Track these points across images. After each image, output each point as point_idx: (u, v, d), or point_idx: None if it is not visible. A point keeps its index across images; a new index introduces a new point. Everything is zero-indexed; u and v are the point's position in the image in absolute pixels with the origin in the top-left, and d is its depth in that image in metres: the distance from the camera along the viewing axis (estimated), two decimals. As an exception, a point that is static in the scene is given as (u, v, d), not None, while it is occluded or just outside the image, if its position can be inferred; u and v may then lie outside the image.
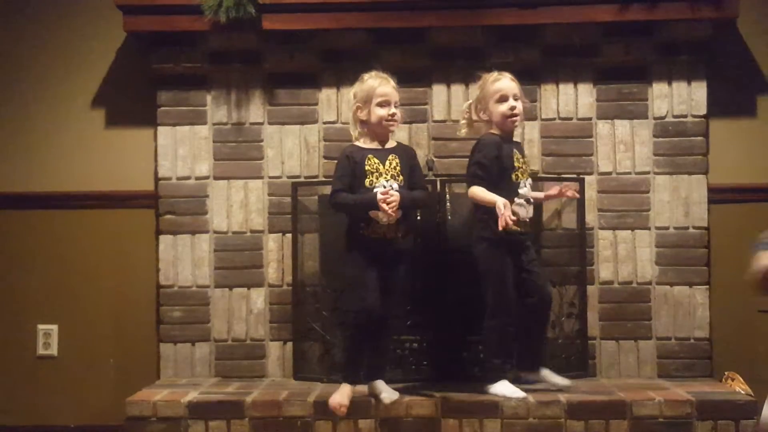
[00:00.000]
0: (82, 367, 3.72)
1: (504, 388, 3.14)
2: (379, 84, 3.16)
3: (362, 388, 3.20)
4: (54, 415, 3.70)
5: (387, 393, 3.15)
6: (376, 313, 3.08)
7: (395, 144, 3.24)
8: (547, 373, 3.21)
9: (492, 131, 3.21)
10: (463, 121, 3.30)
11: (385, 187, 3.10)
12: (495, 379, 3.17)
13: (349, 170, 3.14)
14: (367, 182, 3.13)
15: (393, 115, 3.15)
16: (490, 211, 3.08)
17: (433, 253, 3.45)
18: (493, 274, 3.17)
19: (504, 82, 3.19)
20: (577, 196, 3.36)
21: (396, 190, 3.09)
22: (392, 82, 3.20)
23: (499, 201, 3.05)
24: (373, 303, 3.09)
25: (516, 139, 3.31)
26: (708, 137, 3.60)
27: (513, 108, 3.16)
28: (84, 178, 3.76)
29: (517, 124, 3.21)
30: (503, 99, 3.17)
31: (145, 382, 3.49)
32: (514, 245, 3.16)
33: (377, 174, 3.14)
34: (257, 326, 3.63)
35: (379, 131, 3.18)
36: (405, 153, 3.23)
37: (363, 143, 3.20)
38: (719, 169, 3.61)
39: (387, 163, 3.16)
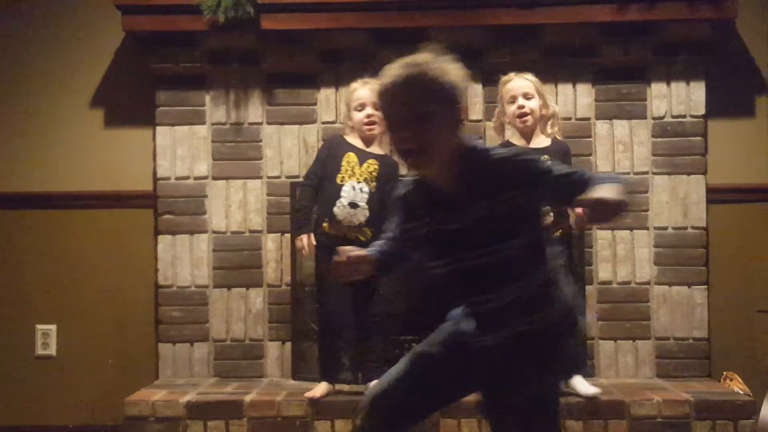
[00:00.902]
0: (80, 367, 3.72)
1: None
2: (355, 89, 3.24)
3: (359, 387, 3.21)
4: (52, 415, 3.69)
5: None
6: (336, 315, 3.18)
7: (383, 153, 3.28)
8: (576, 381, 3.17)
9: (511, 138, 3.25)
10: (492, 124, 3.37)
11: (354, 189, 3.15)
12: None
13: (320, 163, 3.25)
14: (338, 178, 3.20)
15: (369, 116, 3.18)
16: None
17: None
18: None
19: (513, 83, 3.21)
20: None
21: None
22: (373, 85, 3.21)
23: None
24: (334, 305, 3.18)
25: (539, 144, 3.21)
26: (706, 137, 3.60)
27: (521, 107, 3.16)
28: (83, 178, 3.75)
29: (527, 122, 3.18)
30: (513, 100, 3.19)
31: (144, 382, 3.49)
32: None
33: (350, 173, 3.19)
34: (256, 326, 3.63)
35: (361, 135, 3.24)
36: (387, 164, 3.26)
37: (350, 138, 3.26)
38: (718, 169, 3.61)
39: (365, 165, 3.19)
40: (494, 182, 1.80)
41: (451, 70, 1.83)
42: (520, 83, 3.20)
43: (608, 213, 1.66)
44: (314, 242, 3.20)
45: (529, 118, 3.17)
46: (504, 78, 3.25)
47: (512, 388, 1.83)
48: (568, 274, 1.91)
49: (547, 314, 1.85)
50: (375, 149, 3.26)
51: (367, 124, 3.20)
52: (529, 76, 3.22)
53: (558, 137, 3.27)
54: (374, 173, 3.20)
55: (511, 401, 1.83)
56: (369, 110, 3.19)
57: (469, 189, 1.81)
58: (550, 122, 3.26)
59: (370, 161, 3.21)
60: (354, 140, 3.26)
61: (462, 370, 1.91)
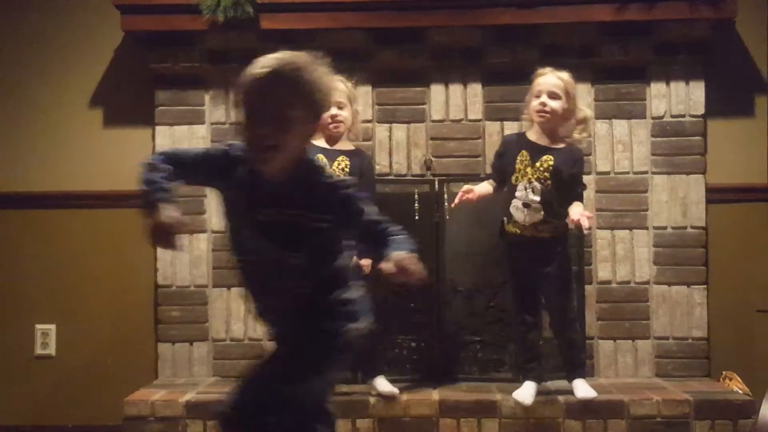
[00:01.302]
0: (80, 367, 3.71)
1: (519, 391, 3.14)
2: None
3: (358, 387, 3.21)
4: (52, 415, 3.69)
5: (386, 388, 3.15)
6: None
7: (352, 148, 3.28)
8: (575, 384, 3.16)
9: (528, 133, 3.22)
10: (525, 116, 3.29)
11: None
12: (520, 380, 3.19)
13: None
14: None
15: (334, 116, 3.17)
16: (503, 209, 3.16)
17: (432, 253, 3.46)
18: (508, 274, 3.25)
19: (542, 78, 3.15)
20: (587, 229, 3.11)
21: None
22: (340, 84, 3.19)
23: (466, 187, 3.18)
24: None
25: (556, 144, 3.16)
26: (706, 137, 3.60)
27: (543, 104, 3.11)
28: (82, 178, 3.75)
29: (544, 119, 3.12)
30: (538, 95, 3.14)
31: (143, 382, 3.49)
32: (522, 248, 3.15)
33: None
34: (255, 326, 3.62)
35: (326, 133, 3.22)
36: (359, 157, 3.26)
37: (316, 141, 3.25)
38: (717, 168, 3.61)
39: (335, 163, 3.19)
40: (313, 199, 1.89)
41: (326, 83, 1.88)
42: (550, 80, 3.13)
43: (405, 279, 1.81)
44: None
45: (547, 116, 3.12)
46: (539, 71, 3.18)
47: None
48: (351, 280, 2.01)
49: (312, 309, 1.94)
50: (343, 146, 3.25)
51: (331, 123, 3.19)
52: (564, 76, 3.14)
53: (579, 144, 3.21)
54: (346, 169, 3.19)
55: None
56: (333, 110, 3.17)
57: (289, 194, 1.89)
58: (580, 127, 3.18)
59: (339, 159, 3.21)
60: (320, 143, 3.25)
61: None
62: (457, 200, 3.16)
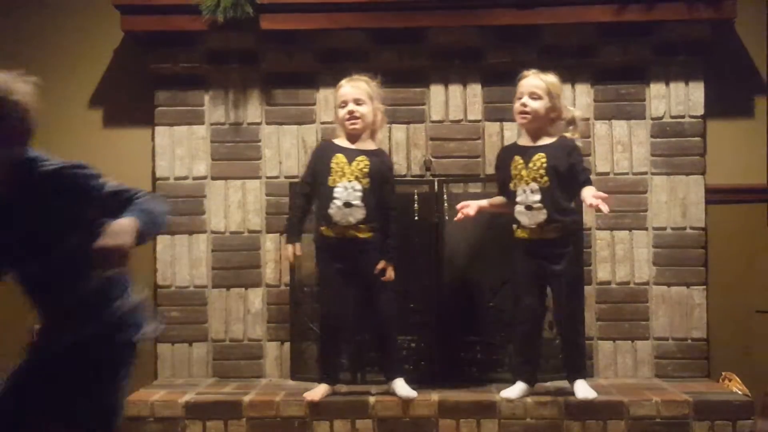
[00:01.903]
0: (79, 367, 3.71)
1: (510, 389, 3.14)
2: (340, 86, 3.24)
3: (358, 387, 3.21)
4: (51, 415, 3.68)
5: (404, 392, 3.15)
6: (340, 317, 3.19)
7: (375, 148, 3.26)
8: (576, 385, 3.15)
9: (521, 137, 3.25)
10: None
11: (346, 189, 3.14)
12: (513, 380, 3.19)
13: (311, 170, 3.25)
14: (330, 180, 3.18)
15: (351, 113, 3.16)
16: (510, 216, 3.17)
17: (431, 253, 3.46)
18: (513, 276, 3.25)
19: (524, 80, 3.16)
20: (605, 209, 2.96)
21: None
22: (357, 82, 3.19)
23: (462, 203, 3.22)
24: (336, 307, 3.19)
25: (543, 142, 3.16)
26: (705, 138, 3.61)
27: (524, 105, 3.13)
28: (81, 178, 3.75)
29: (525, 120, 3.14)
30: (520, 97, 3.15)
31: (143, 383, 3.49)
32: (531, 250, 3.15)
33: (341, 174, 3.17)
34: (255, 326, 3.63)
35: (345, 131, 3.23)
36: (379, 158, 3.25)
37: (338, 140, 3.26)
38: (717, 169, 3.61)
39: (354, 163, 3.18)
40: (45, 194, 1.86)
41: (13, 105, 1.84)
42: (531, 82, 3.14)
43: (107, 262, 1.80)
44: (299, 252, 3.22)
45: (528, 117, 3.13)
46: (523, 73, 3.19)
47: (66, 396, 2.00)
48: (129, 284, 2.03)
49: (97, 322, 1.96)
50: (364, 145, 3.23)
51: (348, 120, 3.19)
52: (547, 77, 3.14)
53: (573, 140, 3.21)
54: (365, 170, 3.18)
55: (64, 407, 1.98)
56: (351, 106, 3.18)
57: (21, 199, 1.86)
58: (571, 127, 3.18)
59: (359, 158, 3.19)
60: (341, 141, 3.25)
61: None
62: (460, 215, 3.20)
